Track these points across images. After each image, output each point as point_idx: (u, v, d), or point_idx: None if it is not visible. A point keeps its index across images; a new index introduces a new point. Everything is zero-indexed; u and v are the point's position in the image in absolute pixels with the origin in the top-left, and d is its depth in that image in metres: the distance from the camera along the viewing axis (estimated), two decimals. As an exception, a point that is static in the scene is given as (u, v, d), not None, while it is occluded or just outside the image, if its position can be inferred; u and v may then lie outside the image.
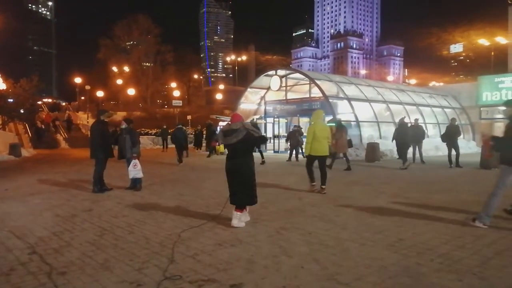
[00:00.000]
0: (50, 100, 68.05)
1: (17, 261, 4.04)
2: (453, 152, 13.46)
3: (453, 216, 6.05)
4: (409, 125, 15.08)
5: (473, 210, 6.44)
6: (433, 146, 19.53)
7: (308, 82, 20.97)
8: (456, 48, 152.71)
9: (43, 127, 28.61)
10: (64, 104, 56.94)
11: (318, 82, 19.50)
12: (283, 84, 22.11)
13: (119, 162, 9.65)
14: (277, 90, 22.38)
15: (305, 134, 18.68)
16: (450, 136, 13.60)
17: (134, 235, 5.00)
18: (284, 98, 22.39)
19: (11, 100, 27.54)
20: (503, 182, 5.47)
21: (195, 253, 4.24)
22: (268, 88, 23.33)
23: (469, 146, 22.36)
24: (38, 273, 3.71)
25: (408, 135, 13.71)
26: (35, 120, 30.04)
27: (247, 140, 5.41)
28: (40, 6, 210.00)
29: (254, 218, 5.86)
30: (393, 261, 3.97)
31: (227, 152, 5.78)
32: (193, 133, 26.63)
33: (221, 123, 26.29)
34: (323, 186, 8.26)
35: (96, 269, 3.81)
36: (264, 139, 6.01)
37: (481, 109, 24.42)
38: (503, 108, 5.96)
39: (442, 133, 14.56)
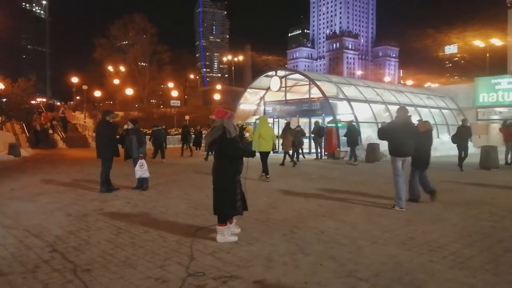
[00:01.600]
0: (44, 100, 67.65)
1: (40, 259, 4.12)
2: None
3: (459, 216, 6.19)
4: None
5: (475, 210, 6.60)
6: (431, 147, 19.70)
7: (307, 83, 21.12)
8: (451, 49, 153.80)
9: (39, 129, 28.47)
10: (58, 103, 56.68)
11: (318, 83, 19.65)
12: (283, 85, 22.24)
13: (121, 162, 9.72)
14: (277, 91, 22.50)
15: (307, 134, 18.94)
16: (462, 137, 12.74)
17: (150, 234, 5.09)
18: (284, 98, 22.51)
19: (4, 99, 27.46)
20: (396, 169, 6.76)
21: (214, 251, 4.34)
22: (268, 89, 23.45)
23: (466, 147, 22.58)
24: (63, 270, 3.79)
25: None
26: (34, 123, 29.83)
27: (221, 141, 4.76)
28: (34, 5, 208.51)
29: (266, 218, 5.97)
30: (407, 259, 4.09)
31: None
32: (193, 133, 26.62)
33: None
34: (268, 176, 10.42)
35: (119, 266, 3.90)
36: (234, 145, 4.80)
37: (478, 110, 24.71)
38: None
39: (452, 134, 13.47)
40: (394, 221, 5.78)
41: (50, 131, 31.98)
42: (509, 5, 11.01)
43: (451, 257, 4.15)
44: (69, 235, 5.08)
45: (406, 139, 6.72)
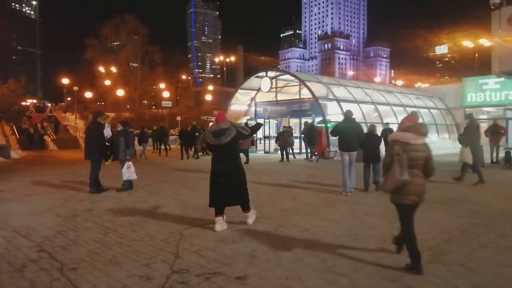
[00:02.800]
0: (35, 101, 67.15)
1: (28, 259, 4.20)
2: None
3: (441, 213, 6.35)
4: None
5: (457, 207, 6.78)
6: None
7: (298, 84, 21.27)
8: (441, 49, 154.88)
9: (32, 131, 28.13)
10: (49, 105, 56.33)
11: (308, 83, 19.81)
12: (274, 86, 22.38)
13: (112, 164, 9.78)
14: (267, 92, 22.64)
15: (295, 135, 19.12)
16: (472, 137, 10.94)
17: (137, 233, 5.18)
18: (275, 99, 22.65)
19: None
20: (343, 161, 8.35)
21: (199, 249, 4.45)
22: (259, 89, 23.58)
23: (455, 146, 22.89)
24: (50, 269, 3.88)
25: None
26: (25, 126, 29.46)
27: (237, 139, 5.40)
28: (24, 5, 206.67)
29: (252, 216, 6.08)
30: (387, 254, 4.23)
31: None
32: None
33: (211, 124, 26.46)
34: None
35: (106, 264, 3.99)
36: (252, 135, 6.00)
37: (466, 110, 25.03)
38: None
39: (460, 134, 12.39)
40: (378, 219, 5.93)
41: (41, 131, 31.78)
42: (492, 7, 11.26)
43: (428, 252, 4.30)
44: (57, 235, 5.15)
45: (350, 137, 8.21)
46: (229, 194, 5.32)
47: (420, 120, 22.89)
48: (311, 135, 16.96)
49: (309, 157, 17.71)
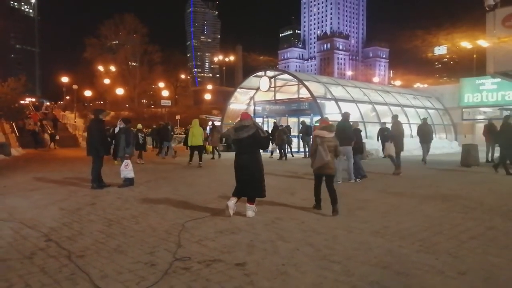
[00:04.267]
0: (34, 100, 67.28)
1: (36, 247, 4.39)
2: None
3: (433, 208, 6.56)
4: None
5: (450, 203, 6.99)
6: (417, 146, 20.16)
7: (296, 83, 21.49)
8: (440, 50, 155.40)
9: (36, 130, 28.16)
10: (48, 103, 56.46)
11: (306, 83, 20.03)
12: (272, 85, 22.59)
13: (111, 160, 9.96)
14: (266, 91, 22.85)
15: (294, 133, 19.33)
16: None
17: (140, 225, 5.38)
18: (273, 98, 22.88)
19: None
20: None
21: (200, 239, 4.64)
22: (258, 89, 23.78)
23: (451, 146, 23.16)
24: (58, 256, 4.07)
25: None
26: (29, 127, 29.41)
27: (255, 137, 5.76)
28: (22, 3, 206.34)
29: (250, 210, 6.29)
30: (378, 245, 4.44)
31: (235, 148, 6.14)
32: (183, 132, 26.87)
33: (210, 123, 26.65)
34: (200, 162, 13.97)
35: (111, 252, 4.19)
36: (268, 141, 6.26)
37: (463, 110, 25.31)
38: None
39: (497, 132, 12.54)
40: (372, 213, 6.14)
41: (40, 129, 31.92)
42: (487, 9, 11.48)
43: (419, 243, 4.51)
44: (63, 226, 5.34)
45: (343, 135, 9.00)
46: (246, 185, 5.83)
47: (418, 121, 23.12)
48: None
49: (306, 155, 17.92)
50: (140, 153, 15.52)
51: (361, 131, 10.93)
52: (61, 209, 6.56)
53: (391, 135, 11.55)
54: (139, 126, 16.75)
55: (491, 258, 4.00)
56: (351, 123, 10.25)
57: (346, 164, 9.69)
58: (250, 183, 5.83)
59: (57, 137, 27.55)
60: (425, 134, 14.33)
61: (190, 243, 4.52)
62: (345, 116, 9.88)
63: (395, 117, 11.86)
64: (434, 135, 16.45)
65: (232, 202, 5.82)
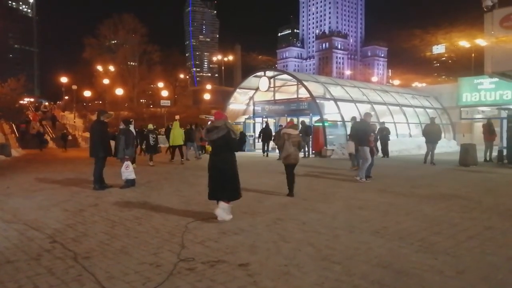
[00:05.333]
0: (33, 100, 67.22)
1: (42, 249, 4.46)
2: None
3: (432, 208, 6.65)
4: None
5: (448, 202, 7.08)
6: (416, 145, 20.33)
7: (295, 83, 21.57)
8: (439, 49, 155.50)
9: (41, 130, 28.02)
10: (46, 103, 56.42)
11: (305, 83, 20.11)
12: (272, 85, 22.67)
13: (114, 161, 10.03)
14: (265, 91, 22.92)
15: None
16: None
17: (144, 226, 5.45)
18: (273, 98, 22.95)
19: None
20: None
21: (203, 240, 4.72)
22: (257, 89, 23.86)
23: (450, 145, 23.25)
24: (64, 257, 4.14)
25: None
26: (34, 130, 29.18)
27: (226, 139, 5.63)
28: (20, 3, 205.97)
29: (252, 211, 6.38)
30: (379, 245, 4.52)
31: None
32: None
33: (209, 123, 26.71)
34: (182, 159, 15.60)
35: (116, 254, 4.26)
36: (239, 144, 6.04)
37: (461, 109, 25.39)
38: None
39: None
40: (372, 213, 6.22)
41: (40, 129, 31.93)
42: (485, 9, 11.58)
43: (418, 243, 4.59)
44: (67, 228, 5.41)
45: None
46: (217, 186, 5.71)
47: (416, 120, 23.19)
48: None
49: (306, 155, 18.01)
50: (151, 156, 14.76)
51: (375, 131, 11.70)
52: (64, 210, 6.63)
53: (352, 135, 12.35)
54: (150, 126, 15.94)
55: (489, 257, 4.09)
56: (372, 124, 10.77)
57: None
58: (221, 185, 5.70)
59: (69, 137, 26.85)
60: (431, 134, 14.10)
61: (194, 244, 4.59)
62: (365, 116, 10.42)
63: (353, 119, 13.60)
64: (442, 135, 16.13)
65: (218, 210, 5.70)
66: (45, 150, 25.55)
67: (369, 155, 9.88)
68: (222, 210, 5.69)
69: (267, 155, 18.70)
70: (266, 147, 19.18)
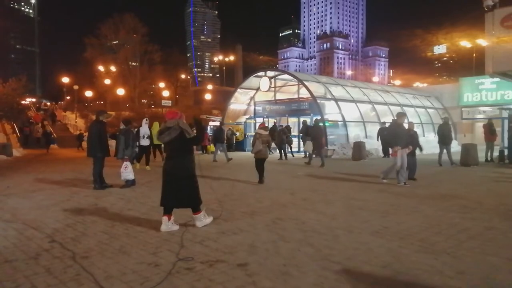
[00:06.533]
0: (34, 100, 67.32)
1: (41, 248, 4.45)
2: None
3: (432, 208, 6.63)
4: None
5: (449, 202, 7.06)
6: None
7: (296, 83, 21.55)
8: (440, 49, 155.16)
9: (49, 130, 27.84)
10: (48, 103, 56.54)
11: (306, 83, 20.09)
12: (272, 85, 22.65)
13: (115, 161, 10.03)
14: (266, 91, 22.91)
15: (294, 133, 19.39)
16: None
17: (143, 226, 5.44)
18: (273, 98, 22.94)
19: None
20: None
21: (202, 240, 4.71)
22: (258, 89, 23.85)
23: (451, 146, 23.15)
24: (63, 257, 4.13)
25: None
26: (38, 134, 29.01)
27: (181, 140, 5.13)
28: (22, 4, 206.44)
29: (251, 211, 6.36)
30: (378, 245, 4.50)
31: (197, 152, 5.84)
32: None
33: (211, 123, 26.73)
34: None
35: (115, 253, 4.25)
36: (195, 141, 5.49)
37: (463, 109, 25.31)
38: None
39: None
40: (372, 213, 6.20)
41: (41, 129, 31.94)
42: (486, 9, 11.55)
43: (418, 243, 4.57)
44: (66, 227, 5.40)
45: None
46: (172, 195, 5.19)
47: (417, 120, 23.21)
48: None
49: (307, 155, 17.98)
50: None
51: (415, 133, 10.64)
52: (64, 210, 6.62)
53: (312, 135, 14.20)
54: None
55: (489, 257, 4.06)
56: (408, 124, 10.12)
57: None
58: (176, 193, 5.16)
59: (85, 135, 25.70)
60: (445, 134, 13.61)
61: (193, 243, 4.58)
62: (399, 117, 9.50)
63: (316, 121, 15.00)
64: (453, 135, 15.36)
65: (164, 225, 5.13)
66: (50, 150, 25.49)
67: (405, 158, 9.15)
68: (199, 220, 5.28)
69: (285, 158, 17.20)
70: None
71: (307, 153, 14.95)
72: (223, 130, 17.04)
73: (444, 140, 13.71)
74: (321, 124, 16.33)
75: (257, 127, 20.32)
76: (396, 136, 9.11)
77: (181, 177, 5.18)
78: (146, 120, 10.12)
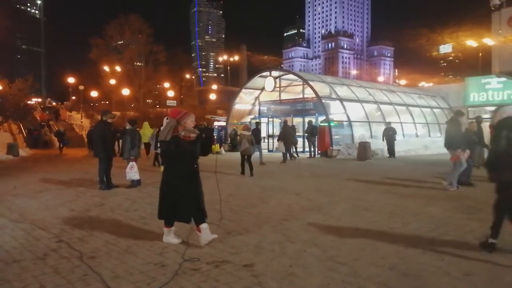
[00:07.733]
0: (40, 100, 67.71)
1: (48, 248, 4.48)
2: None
3: (439, 209, 6.60)
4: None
5: (455, 203, 7.02)
6: (422, 146, 20.24)
7: (301, 83, 21.53)
8: (445, 48, 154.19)
9: (62, 129, 27.62)
10: (54, 103, 56.86)
11: (311, 83, 20.07)
12: (277, 85, 22.65)
13: (121, 161, 10.07)
14: (271, 91, 22.91)
15: (299, 133, 19.37)
16: None
17: (149, 226, 5.47)
18: (278, 98, 22.92)
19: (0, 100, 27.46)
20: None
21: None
22: (262, 89, 23.85)
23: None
24: (70, 257, 4.16)
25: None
26: (47, 137, 29.00)
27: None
28: (28, 4, 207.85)
29: (257, 212, 6.37)
30: (384, 246, 4.49)
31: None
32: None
33: (216, 123, 26.76)
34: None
35: (122, 253, 4.27)
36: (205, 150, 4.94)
37: (469, 109, 25.14)
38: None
39: None
40: (378, 214, 6.18)
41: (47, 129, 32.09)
42: (492, 9, 11.50)
43: (424, 244, 4.55)
44: (73, 227, 5.44)
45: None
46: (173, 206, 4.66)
47: (423, 120, 23.08)
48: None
49: (312, 155, 17.97)
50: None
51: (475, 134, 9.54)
52: (70, 210, 6.66)
53: (281, 136, 15.82)
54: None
55: (496, 259, 4.04)
56: (470, 122, 9.39)
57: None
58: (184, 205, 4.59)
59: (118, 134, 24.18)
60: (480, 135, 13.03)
61: (199, 244, 4.59)
62: (457, 115, 8.42)
63: (285, 122, 16.46)
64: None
65: (167, 237, 4.68)
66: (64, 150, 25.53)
67: (462, 161, 8.32)
68: (205, 239, 4.52)
69: (293, 158, 16.58)
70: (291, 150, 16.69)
71: (283, 152, 15.73)
72: (260, 130, 15.95)
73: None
74: (290, 125, 17.59)
75: (257, 127, 20.27)
76: (456, 137, 8.06)
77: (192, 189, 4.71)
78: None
